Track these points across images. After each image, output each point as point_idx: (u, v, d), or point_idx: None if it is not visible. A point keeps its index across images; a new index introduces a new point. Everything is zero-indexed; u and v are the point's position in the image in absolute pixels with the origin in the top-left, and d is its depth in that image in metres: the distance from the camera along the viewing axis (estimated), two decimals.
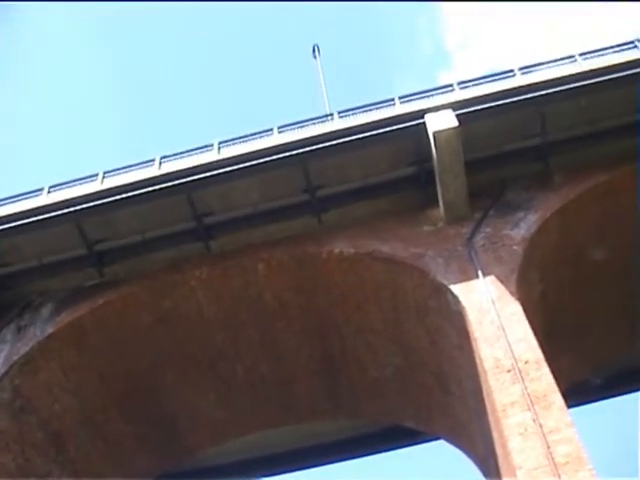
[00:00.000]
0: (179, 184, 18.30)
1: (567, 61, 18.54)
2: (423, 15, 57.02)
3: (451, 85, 18.75)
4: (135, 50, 50.19)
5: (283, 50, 50.54)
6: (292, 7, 50.69)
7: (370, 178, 18.47)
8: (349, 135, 17.99)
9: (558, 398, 13.55)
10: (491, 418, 15.06)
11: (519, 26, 58.88)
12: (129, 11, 43.18)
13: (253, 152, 18.38)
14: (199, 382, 20.63)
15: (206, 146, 19.14)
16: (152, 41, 50.71)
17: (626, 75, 17.74)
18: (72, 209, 18.55)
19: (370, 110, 18.59)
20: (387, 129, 17.92)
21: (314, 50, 25.69)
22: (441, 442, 20.97)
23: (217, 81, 52.27)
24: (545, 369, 14.15)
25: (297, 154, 18.06)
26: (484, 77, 18.81)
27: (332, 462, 23.57)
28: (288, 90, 50.66)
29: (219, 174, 18.21)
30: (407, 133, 17.91)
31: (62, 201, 18.77)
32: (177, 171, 18.60)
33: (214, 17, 50.19)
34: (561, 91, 17.78)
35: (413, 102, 18.53)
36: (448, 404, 19.16)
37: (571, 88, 17.77)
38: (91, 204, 18.51)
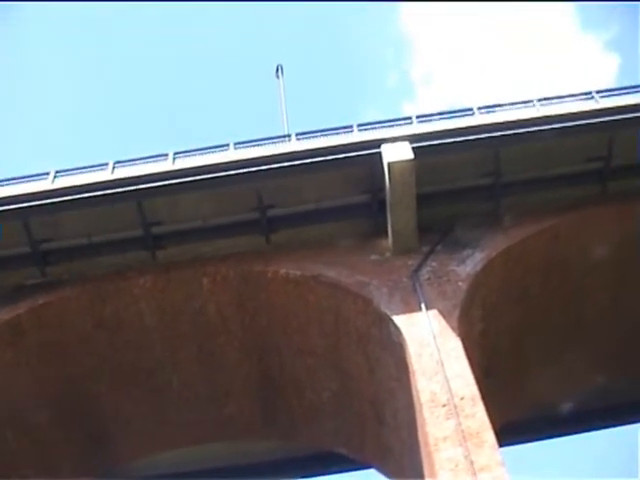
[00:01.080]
0: (129, 191, 18.14)
1: (525, 105, 18.82)
2: (391, 46, 57.68)
3: (410, 118, 18.87)
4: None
5: (252, 70, 50.83)
6: (262, 30, 51.11)
7: (322, 202, 18.53)
8: (304, 158, 18.04)
9: (491, 436, 13.61)
10: (423, 451, 15.08)
11: (487, 64, 59.97)
12: None
13: (207, 166, 18.31)
14: (134, 391, 20.38)
15: (161, 155, 19.01)
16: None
17: (580, 124, 18.11)
18: (20, 206, 18.23)
19: (328, 135, 18.61)
20: (343, 155, 17.98)
21: (277, 70, 25.74)
22: (372, 471, 21.00)
23: (182, 94, 52.29)
24: (480, 406, 14.22)
25: (250, 172, 18.03)
26: (443, 113, 19.02)
27: None
28: (253, 109, 50.96)
29: (171, 184, 18.10)
30: (362, 161, 17.99)
31: (10, 197, 18.46)
32: (129, 177, 18.43)
33: (183, 30, 50.27)
34: (517, 134, 18.04)
35: (371, 131, 18.62)
36: (382, 434, 19.15)
37: (527, 132, 18.05)
38: (39, 202, 18.23)
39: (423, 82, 60.78)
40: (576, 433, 23.58)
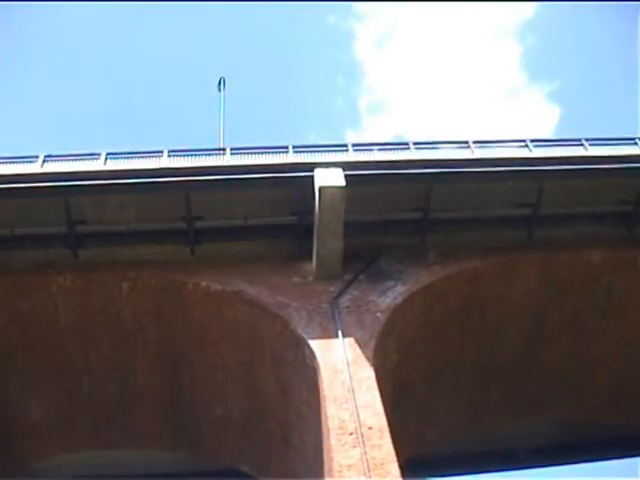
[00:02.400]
0: (57, 186, 17.85)
1: (460, 146, 19.09)
2: (342, 72, 58.10)
3: (346, 145, 18.97)
4: None
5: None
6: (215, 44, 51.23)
7: (250, 219, 18.46)
8: (237, 173, 18.00)
9: (395, 468, 13.60)
10: (327, 477, 15.04)
11: (434, 100, 60.89)
12: None
13: (137, 170, 18.18)
14: (43, 390, 20.07)
15: (93, 154, 18.77)
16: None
17: (512, 171, 18.42)
18: None
19: (263, 153, 18.61)
20: (275, 175, 17.97)
21: (220, 83, 25.62)
22: None
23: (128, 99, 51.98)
24: (387, 438, 14.22)
25: (180, 181, 17.93)
26: (379, 144, 19.22)
27: None
28: (198, 120, 50.89)
29: (99, 185, 17.88)
30: (294, 183, 17.99)
31: None
32: (58, 173, 18.17)
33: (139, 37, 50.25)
34: (450, 172, 18.25)
35: (306, 154, 18.65)
36: (287, 456, 19.10)
37: (460, 172, 18.27)
38: None
39: (370, 111, 61.53)
40: (483, 472, 23.84)
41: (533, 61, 62.41)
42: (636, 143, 19.84)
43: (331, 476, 14.19)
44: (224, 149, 18.79)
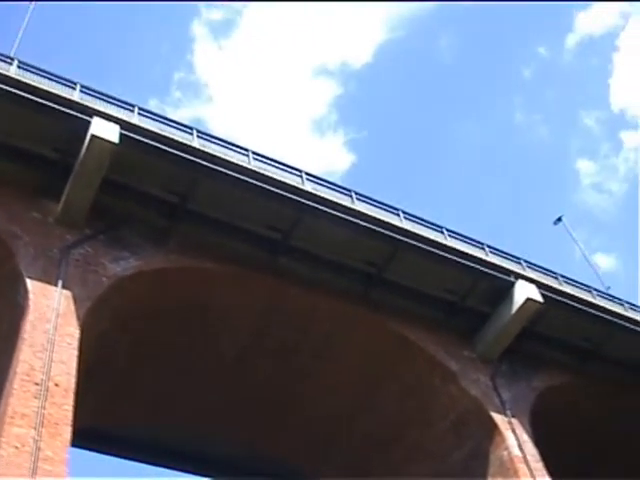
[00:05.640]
0: None
1: (240, 151, 19.43)
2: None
3: (133, 106, 18.55)
4: None
5: None
6: None
7: (12, 138, 17.24)
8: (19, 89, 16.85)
9: (67, 430, 13.45)
10: None
11: (246, 104, 61.96)
12: None
13: None
14: None
15: None
16: None
17: (277, 194, 18.71)
18: None
19: (53, 80, 17.62)
20: (54, 106, 16.98)
21: None
22: None
23: None
24: (70, 399, 14.01)
25: None
26: (166, 118, 19.01)
27: None
28: None
29: None
30: (69, 121, 17.12)
31: None
32: None
33: None
34: (216, 170, 18.21)
35: (91, 98, 17.97)
36: None
37: (228, 175, 18.27)
38: None
39: (182, 87, 62.28)
40: (155, 465, 23.51)
41: (347, 106, 65.66)
42: (398, 214, 21.26)
43: (2, 419, 13.58)
44: (12, 59, 17.51)
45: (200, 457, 23.12)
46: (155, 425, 22.07)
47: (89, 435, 19.45)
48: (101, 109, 17.63)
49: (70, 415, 13.73)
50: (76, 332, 15.27)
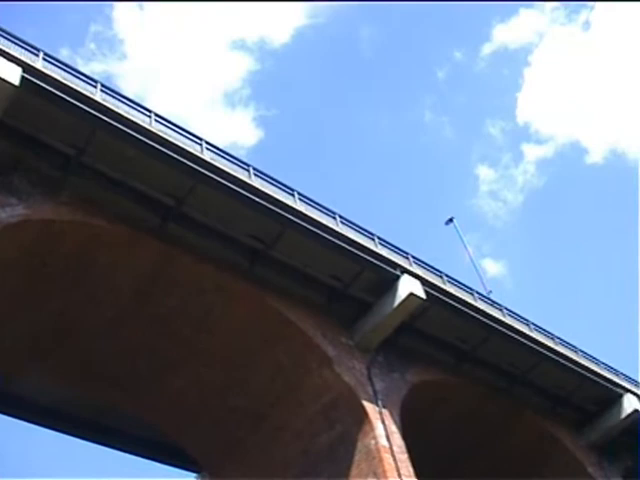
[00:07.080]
0: None
1: (142, 111, 19.09)
2: None
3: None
4: None
5: None
6: None
7: None
8: None
9: None
10: None
11: (162, 71, 60.69)
12: None
13: None
14: None
15: None
16: None
17: (174, 159, 18.63)
18: None
19: None
20: None
21: None
22: None
23: None
24: None
25: None
26: (75, 69, 18.33)
27: None
28: None
29: None
30: None
31: None
32: None
33: None
34: (114, 127, 17.77)
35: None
36: None
37: (122, 130, 17.79)
38: None
39: (97, 38, 60.49)
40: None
41: (261, 82, 65.10)
42: (293, 195, 21.40)
43: None
44: None
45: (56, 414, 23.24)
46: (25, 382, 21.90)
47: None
48: (3, 48, 16.86)
49: None
50: None
